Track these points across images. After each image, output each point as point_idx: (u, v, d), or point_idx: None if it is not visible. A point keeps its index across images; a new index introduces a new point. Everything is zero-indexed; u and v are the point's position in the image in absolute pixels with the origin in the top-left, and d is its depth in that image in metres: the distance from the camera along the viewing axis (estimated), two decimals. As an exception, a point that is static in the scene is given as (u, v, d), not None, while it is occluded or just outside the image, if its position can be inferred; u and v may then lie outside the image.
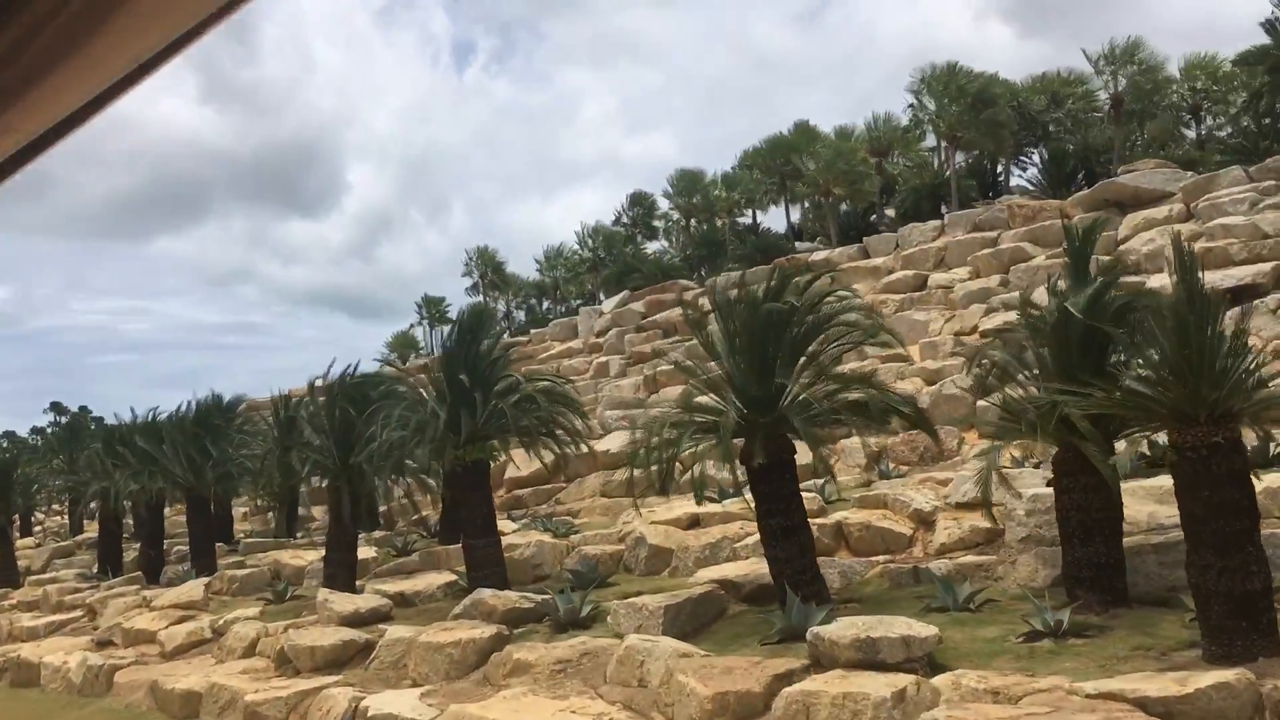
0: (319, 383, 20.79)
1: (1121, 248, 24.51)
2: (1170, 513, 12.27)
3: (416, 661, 13.68)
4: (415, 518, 28.18)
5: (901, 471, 18.48)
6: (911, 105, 53.85)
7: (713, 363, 13.64)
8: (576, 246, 68.02)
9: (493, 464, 18.25)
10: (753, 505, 15.08)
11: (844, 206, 55.82)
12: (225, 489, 26.77)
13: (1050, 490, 13.13)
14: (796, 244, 53.07)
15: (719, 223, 61.02)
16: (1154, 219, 24.91)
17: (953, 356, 22.36)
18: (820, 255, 32.37)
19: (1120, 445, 11.94)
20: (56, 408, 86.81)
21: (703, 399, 13.13)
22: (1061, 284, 12.30)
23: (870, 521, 15.04)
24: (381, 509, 26.83)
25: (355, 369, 20.65)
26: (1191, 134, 47.34)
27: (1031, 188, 50.35)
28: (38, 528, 43.71)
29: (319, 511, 33.78)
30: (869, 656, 9.66)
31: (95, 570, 26.89)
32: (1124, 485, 11.56)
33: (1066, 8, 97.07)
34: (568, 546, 18.61)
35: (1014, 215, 28.32)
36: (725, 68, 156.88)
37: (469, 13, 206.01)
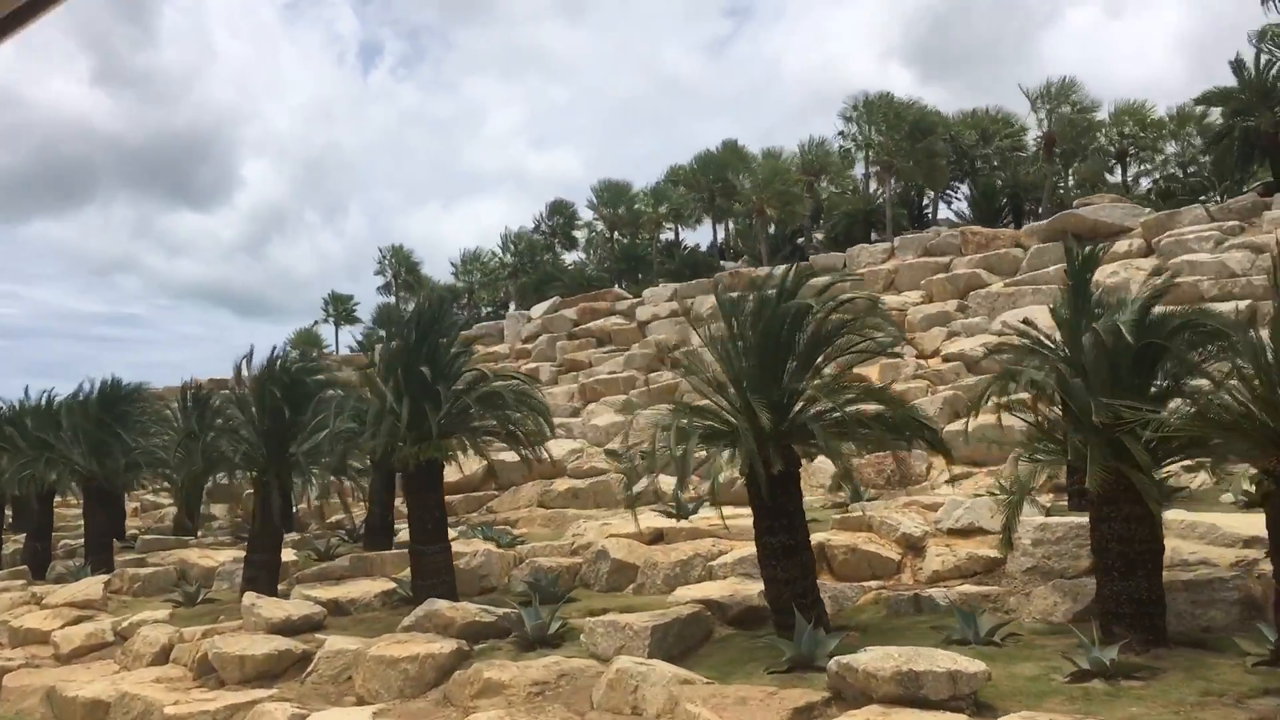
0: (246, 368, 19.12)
1: (1081, 279, 24.21)
2: (1193, 549, 11.70)
3: (365, 677, 12.31)
4: (331, 520, 26.53)
5: (870, 495, 17.68)
6: (842, 132, 53.96)
7: (715, 366, 12.61)
8: (496, 250, 66.51)
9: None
10: (725, 521, 14.27)
11: (771, 228, 55.57)
12: (130, 480, 24.80)
13: (1058, 520, 12.49)
14: (723, 263, 52.56)
15: (645, 236, 60.15)
16: (1115, 253, 24.69)
17: (916, 379, 21.80)
18: (763, 271, 31.66)
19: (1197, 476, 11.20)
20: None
21: (704, 403, 12.10)
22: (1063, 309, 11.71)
23: (856, 545, 14.16)
24: (296, 509, 25.10)
25: (284, 354, 19.13)
26: (1116, 179, 48.16)
27: (958, 221, 50.70)
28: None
29: (220, 510, 31.80)
30: (910, 692, 8.72)
31: (-32, 563, 24.62)
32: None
33: (964, 57, 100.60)
34: (515, 557, 17.37)
35: (967, 242, 28.03)
36: (633, 89, 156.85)
37: (378, 15, 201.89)
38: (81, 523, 34.06)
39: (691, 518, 16.78)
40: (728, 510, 14.12)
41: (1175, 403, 10.12)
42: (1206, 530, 11.99)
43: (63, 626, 17.60)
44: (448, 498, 25.22)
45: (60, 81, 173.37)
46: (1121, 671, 9.08)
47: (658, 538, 16.53)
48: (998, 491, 15.88)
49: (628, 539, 16.25)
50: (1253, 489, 10.72)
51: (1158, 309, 10.79)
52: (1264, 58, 37.11)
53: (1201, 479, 15.55)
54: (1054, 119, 45.61)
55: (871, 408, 11.38)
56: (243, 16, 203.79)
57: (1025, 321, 13.30)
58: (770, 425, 10.87)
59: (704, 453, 11.55)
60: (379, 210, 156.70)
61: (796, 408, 11.63)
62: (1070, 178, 49.75)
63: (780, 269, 14.77)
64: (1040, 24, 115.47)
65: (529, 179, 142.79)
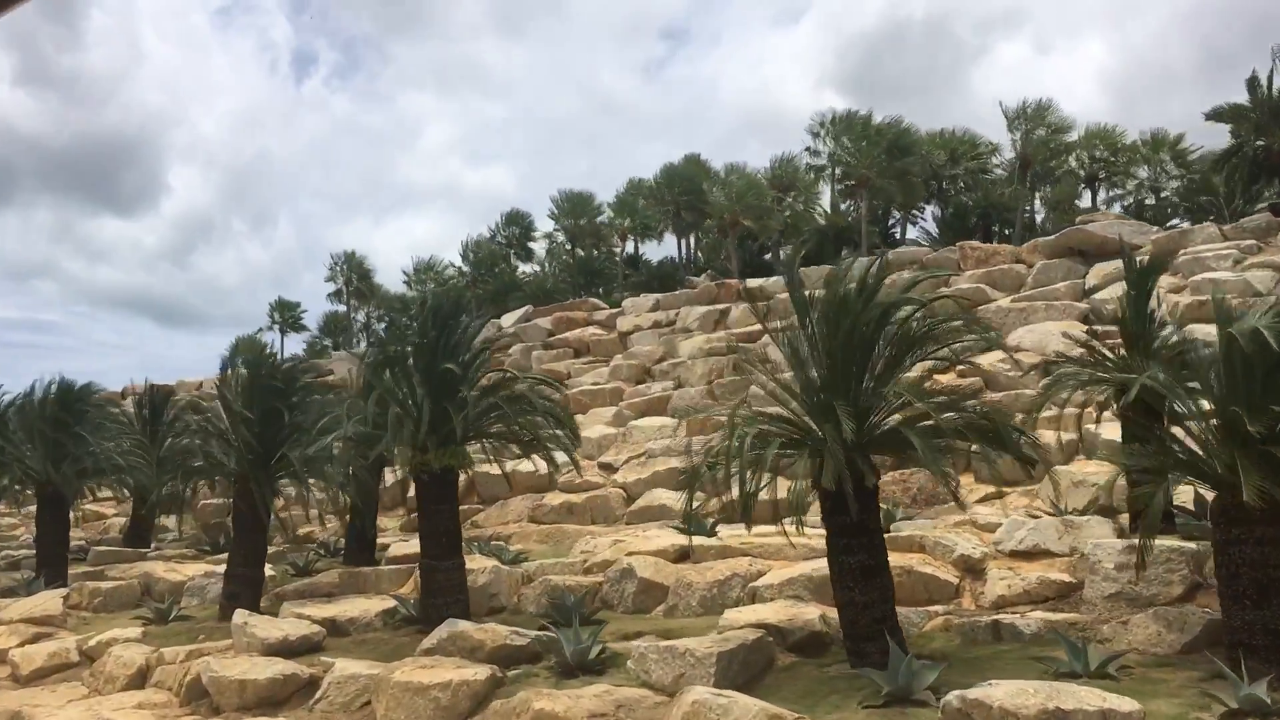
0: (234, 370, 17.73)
1: (1093, 296, 23.66)
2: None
3: (389, 705, 11.01)
4: (302, 533, 24.98)
5: (901, 514, 16.69)
6: (809, 148, 53.41)
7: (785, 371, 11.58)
8: (455, 259, 64.99)
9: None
10: (754, 539, 13.24)
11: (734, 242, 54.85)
12: (81, 487, 23.06)
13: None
14: (689, 277, 51.64)
15: (606, 249, 59.05)
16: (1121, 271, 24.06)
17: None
18: (755, 283, 30.79)
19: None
20: None
21: (774, 409, 11.06)
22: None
23: (912, 566, 13.16)
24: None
25: (274, 354, 17.78)
26: (1085, 203, 48.12)
27: (925, 242, 50.35)
28: None
29: (170, 521, 30.03)
30: (1055, 734, 7.73)
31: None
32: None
33: (897, 86, 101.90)
34: (524, 576, 16.15)
35: (966, 257, 27.34)
36: (569, 108, 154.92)
37: (313, 24, 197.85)
38: (17, 532, 32.18)
39: (721, 535, 15.68)
40: (757, 529, 13.12)
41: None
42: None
43: (20, 645, 16.09)
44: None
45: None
46: (1276, 711, 8.19)
47: (682, 556, 15.41)
48: (1045, 512, 15.08)
49: (653, 556, 15.11)
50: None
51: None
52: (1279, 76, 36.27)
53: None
54: (1027, 141, 45.48)
55: (970, 417, 10.38)
56: (172, 20, 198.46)
57: (1089, 331, 12.50)
58: (853, 434, 9.86)
59: (787, 461, 10.48)
60: (307, 221, 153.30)
61: (877, 415, 10.64)
62: (1037, 200, 49.71)
63: (862, 261, 13.78)
64: (971, 57, 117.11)
65: (463, 194, 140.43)
